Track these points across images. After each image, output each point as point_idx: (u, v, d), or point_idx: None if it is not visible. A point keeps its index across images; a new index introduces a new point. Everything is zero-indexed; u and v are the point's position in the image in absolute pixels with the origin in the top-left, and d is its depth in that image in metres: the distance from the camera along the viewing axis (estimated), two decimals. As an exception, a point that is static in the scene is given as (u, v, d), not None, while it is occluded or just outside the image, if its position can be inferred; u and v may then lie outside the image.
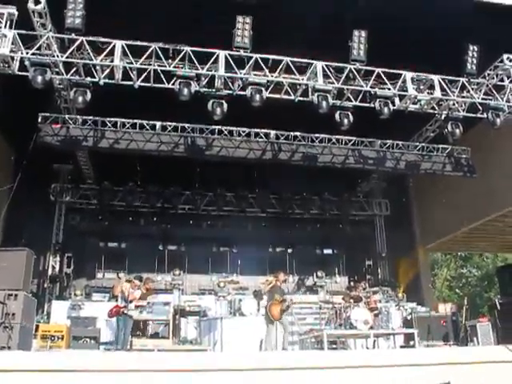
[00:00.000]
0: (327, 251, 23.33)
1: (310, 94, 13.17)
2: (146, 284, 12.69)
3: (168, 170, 17.76)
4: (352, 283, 20.44)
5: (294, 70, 12.84)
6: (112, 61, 11.94)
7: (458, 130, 14.20)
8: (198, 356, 9.59)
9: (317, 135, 17.04)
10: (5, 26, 11.21)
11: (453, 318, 14.44)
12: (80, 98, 12.34)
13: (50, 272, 18.99)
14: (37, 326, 11.10)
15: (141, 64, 12.15)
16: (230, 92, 12.99)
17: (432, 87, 13.80)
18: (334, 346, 13.05)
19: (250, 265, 20.61)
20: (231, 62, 12.44)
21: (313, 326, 13.95)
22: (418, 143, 17.88)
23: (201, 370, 8.09)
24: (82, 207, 20.51)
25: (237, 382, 8.00)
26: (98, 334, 12.43)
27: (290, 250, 22.30)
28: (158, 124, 16.03)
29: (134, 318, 12.01)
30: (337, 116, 13.51)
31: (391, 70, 13.36)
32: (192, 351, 11.27)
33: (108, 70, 12.14)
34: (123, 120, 15.81)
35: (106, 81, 12.24)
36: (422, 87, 13.91)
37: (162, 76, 12.33)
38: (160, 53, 12.14)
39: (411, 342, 12.48)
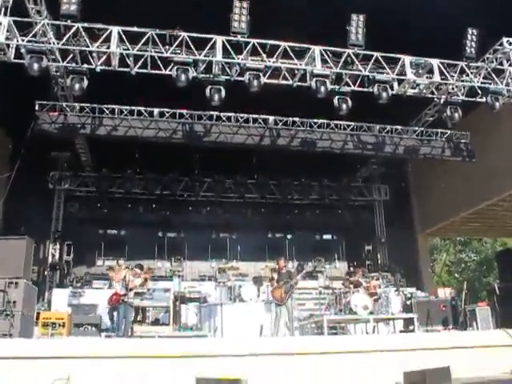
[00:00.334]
0: (326, 237, 23.40)
1: (308, 79, 13.14)
2: (147, 273, 12.74)
3: (166, 156, 17.74)
4: (352, 268, 20.48)
5: (291, 55, 12.79)
6: (108, 47, 11.87)
7: (456, 114, 14.20)
8: (199, 342, 9.65)
9: (315, 120, 17.01)
10: None
11: (452, 302, 14.50)
12: (77, 85, 12.31)
13: (50, 260, 19.06)
14: (38, 314, 11.12)
15: (137, 50, 12.09)
16: (228, 78, 12.94)
17: (431, 71, 13.75)
18: (334, 332, 13.12)
19: (249, 251, 20.69)
20: (228, 47, 12.38)
21: (313, 312, 14.00)
22: (416, 128, 17.87)
23: (201, 356, 8.14)
24: (81, 195, 20.55)
25: (237, 368, 8.05)
26: (98, 320, 12.47)
27: (289, 236, 22.36)
28: (156, 110, 15.99)
29: (135, 305, 12.07)
30: (335, 101, 13.50)
31: (390, 55, 13.31)
32: (192, 337, 11.32)
33: (104, 57, 12.08)
34: (121, 107, 15.77)
35: (103, 67, 12.19)
36: (420, 71, 13.86)
37: (159, 62, 12.28)
38: (157, 39, 12.07)
39: (411, 327, 12.54)
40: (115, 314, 11.53)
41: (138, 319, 12.60)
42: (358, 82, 13.53)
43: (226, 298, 15.42)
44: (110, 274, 13.56)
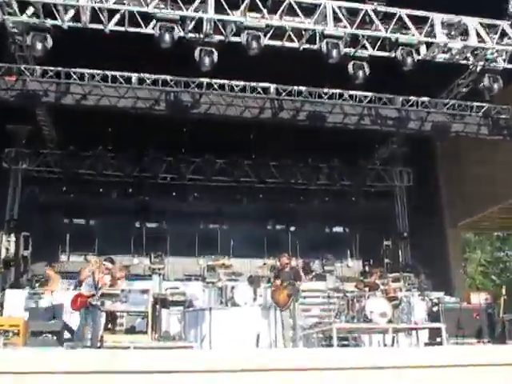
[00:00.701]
0: (337, 230, 23.52)
1: (317, 40, 13.13)
2: (122, 271, 12.79)
3: (146, 131, 17.75)
4: (367, 268, 20.60)
5: (298, 11, 12.76)
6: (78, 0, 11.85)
7: (496, 85, 14.20)
8: (183, 354, 9.71)
9: (325, 90, 17.00)
10: None
11: (488, 310, 14.59)
12: (39, 45, 12.27)
13: (2, 255, 19.10)
14: (-14, 320, 11.19)
15: (113, 3, 12.05)
16: (222, 38, 12.93)
17: (466, 33, 13.73)
18: (346, 343, 13.20)
19: (244, 245, 20.73)
20: (222, 1, 12.35)
21: (320, 319, 14.10)
22: (447, 100, 17.85)
23: (185, 372, 8.19)
24: (43, 176, 20.57)
25: (229, 386, 8.12)
26: (61, 328, 12.54)
27: (292, 228, 22.48)
28: (134, 76, 15.96)
29: (106, 309, 12.14)
30: (350, 67, 13.52)
31: (417, 12, 13.29)
32: (175, 349, 11.39)
33: (73, 11, 12.04)
34: (92, 71, 15.73)
35: (71, 24, 12.16)
36: (453, 33, 13.83)
37: (139, 18, 12.24)
38: (136, -10, 12.06)
39: (438, 339, 12.63)
40: (79, 319, 11.60)
41: (109, 326, 12.65)
42: (378, 44, 13.52)
43: (215, 301, 15.50)
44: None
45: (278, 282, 12.76)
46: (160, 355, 9.04)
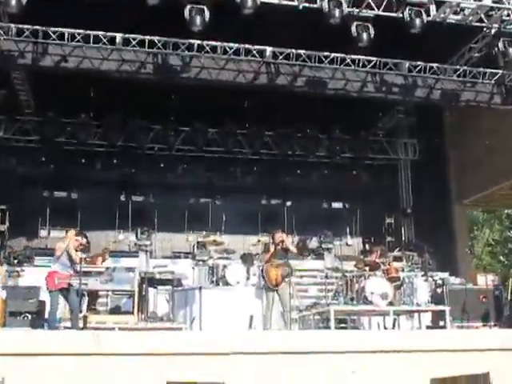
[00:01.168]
0: (336, 205, 23.55)
1: (318, -1, 12.99)
2: (104, 253, 12.77)
3: (132, 97, 17.58)
4: (367, 246, 20.69)
5: (297, -34, 12.61)
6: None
7: (511, 50, 14.11)
8: (171, 336, 9.72)
9: (326, 54, 16.81)
10: None
11: (495, 292, 14.65)
12: (13, 0, 12.08)
13: (-22, 230, 19.07)
14: (-40, 299, 11.17)
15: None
16: (214, -5, 12.78)
17: (479, -8, 13.62)
18: (344, 325, 13.27)
19: (237, 221, 20.77)
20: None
21: (317, 300, 14.13)
22: (458, 66, 17.70)
23: (174, 354, 8.20)
24: (19, 145, 20.42)
25: (220, 368, 8.13)
26: (41, 308, 12.51)
27: (288, 203, 22.52)
28: (119, 36, 15.71)
29: (89, 289, 12.11)
30: (353, 29, 13.39)
31: (426, -32, 13.15)
32: (163, 330, 11.40)
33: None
34: (73, 30, 15.46)
35: (49, -23, 11.98)
36: (466, -9, 13.73)
37: (124, -28, 12.08)
38: None
39: (441, 322, 12.69)
40: (52, 300, 11.51)
41: (93, 307, 12.65)
42: (384, 4, 13.37)
43: (206, 280, 15.49)
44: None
45: (267, 255, 12.71)
46: (147, 337, 9.06)
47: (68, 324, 11.47)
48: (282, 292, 12.29)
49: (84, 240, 12.19)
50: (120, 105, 18.81)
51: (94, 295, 12.92)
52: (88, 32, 15.51)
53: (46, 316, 12.22)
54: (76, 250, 11.66)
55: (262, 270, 12.54)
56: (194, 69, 16.15)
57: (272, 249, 12.72)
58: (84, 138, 19.70)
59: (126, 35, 15.75)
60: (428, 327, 13.25)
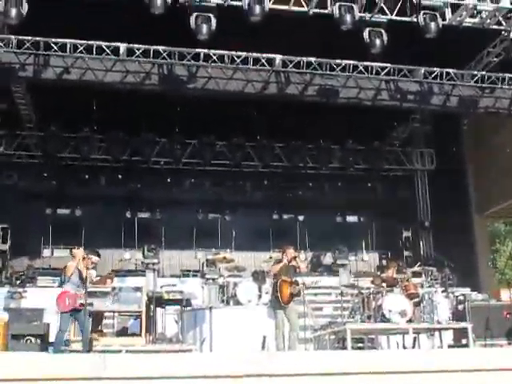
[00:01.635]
0: (351, 219, 23.51)
1: (328, 4, 13.03)
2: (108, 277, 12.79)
3: (137, 109, 17.64)
4: (384, 262, 20.57)
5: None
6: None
7: (531, 53, 14.13)
8: (181, 358, 9.67)
9: (338, 61, 16.87)
10: None
11: (520, 308, 14.55)
12: (14, 11, 12.19)
13: (-22, 249, 19.12)
14: (-38, 322, 11.20)
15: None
16: (221, 2, 12.81)
17: (498, -6, 13.64)
18: (361, 345, 13.20)
19: (247, 237, 20.77)
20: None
21: (332, 319, 14.08)
22: (475, 72, 17.71)
23: (184, 377, 8.15)
24: (21, 161, 20.51)
25: (232, 393, 8.08)
26: (45, 330, 12.51)
27: (301, 218, 22.46)
28: (123, 47, 15.82)
29: (95, 310, 12.10)
30: (365, 35, 13.42)
31: (441, -30, 13.18)
32: (172, 352, 11.36)
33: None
34: (75, 41, 15.58)
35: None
36: (483, -6, 13.75)
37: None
38: None
39: (463, 341, 12.59)
40: (62, 322, 11.49)
41: (99, 328, 12.63)
42: (397, 8, 13.39)
43: (216, 299, 15.46)
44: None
45: (276, 268, 12.59)
46: (155, 360, 9.00)
47: (75, 347, 11.43)
48: (290, 311, 12.19)
49: (96, 258, 12.18)
50: (124, 118, 18.85)
51: (99, 316, 12.88)
52: (91, 42, 15.62)
53: (51, 339, 12.21)
54: (87, 269, 11.65)
55: (276, 284, 12.37)
56: (200, 79, 16.22)
57: (282, 263, 12.62)
58: (87, 152, 19.82)
59: (130, 45, 15.85)
60: (450, 346, 13.15)
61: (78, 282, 11.50)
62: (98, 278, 12.47)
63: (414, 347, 12.53)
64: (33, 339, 12.27)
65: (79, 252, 11.90)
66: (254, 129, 20.24)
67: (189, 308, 13.93)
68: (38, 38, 15.39)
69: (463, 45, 15.90)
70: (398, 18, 13.47)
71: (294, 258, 12.71)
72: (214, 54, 16.18)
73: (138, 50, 15.94)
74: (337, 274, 18.69)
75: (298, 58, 16.70)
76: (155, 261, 19.06)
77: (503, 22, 14.34)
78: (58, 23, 14.49)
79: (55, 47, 15.53)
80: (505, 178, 20.28)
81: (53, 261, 19.62)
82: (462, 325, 12.90)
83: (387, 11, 13.49)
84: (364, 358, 9.91)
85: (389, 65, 17.08)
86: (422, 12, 13.10)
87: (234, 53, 16.32)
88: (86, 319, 11.32)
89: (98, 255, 12.42)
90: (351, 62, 16.91)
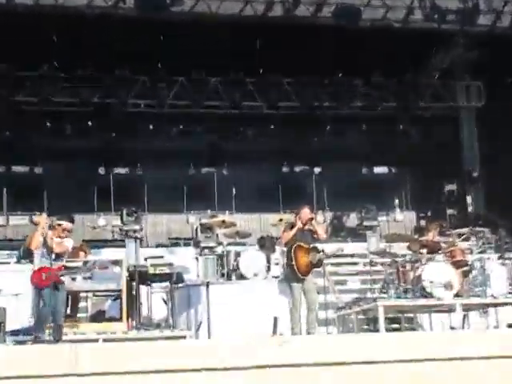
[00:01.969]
0: (380, 170, 23.56)
1: None
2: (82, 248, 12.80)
3: (109, 40, 17.46)
4: (423, 222, 20.53)
5: None
6: None
7: None
8: (171, 347, 9.65)
9: (360, -27, 16.75)
10: None
11: None
12: None
13: None
14: None
15: None
16: None
17: None
18: (396, 326, 13.20)
19: (251, 196, 20.84)
20: None
21: (360, 295, 14.08)
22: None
23: (175, 371, 8.13)
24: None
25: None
26: (2, 317, 12.51)
27: (317, 170, 22.57)
28: (89, -40, 15.70)
29: (65, 289, 12.08)
30: None
31: None
32: (161, 339, 11.37)
33: None
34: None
35: None
36: None
37: None
38: None
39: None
40: (45, 298, 11.48)
41: (69, 313, 12.63)
42: None
43: (214, 273, 15.47)
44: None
45: (289, 234, 12.52)
46: (140, 350, 8.99)
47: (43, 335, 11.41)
48: (308, 285, 12.15)
49: (70, 225, 12.03)
50: (93, 52, 18.64)
51: (73, 298, 12.88)
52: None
53: (8, 327, 12.22)
54: (60, 238, 11.57)
55: (290, 251, 12.30)
56: (187, 0, 16.07)
57: (296, 228, 12.54)
58: (48, 94, 19.67)
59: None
60: (509, 325, 13.14)
61: (44, 255, 11.43)
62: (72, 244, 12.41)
63: (463, 327, 12.53)
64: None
65: (42, 218, 11.80)
66: (256, 62, 20.10)
67: (180, 285, 13.92)
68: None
69: None
70: None
71: (310, 220, 12.64)
72: (204, -33, 16.05)
73: (108, -37, 15.80)
74: (364, 239, 18.66)
75: (310, -30, 16.59)
76: (137, 227, 18.94)
77: None
78: None
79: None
80: None
81: (9, 230, 19.65)
82: (524, 300, 12.90)
83: None
84: (401, 341, 9.90)
85: (424, -24, 16.97)
86: None
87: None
88: (61, 300, 11.31)
89: (72, 221, 12.28)
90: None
